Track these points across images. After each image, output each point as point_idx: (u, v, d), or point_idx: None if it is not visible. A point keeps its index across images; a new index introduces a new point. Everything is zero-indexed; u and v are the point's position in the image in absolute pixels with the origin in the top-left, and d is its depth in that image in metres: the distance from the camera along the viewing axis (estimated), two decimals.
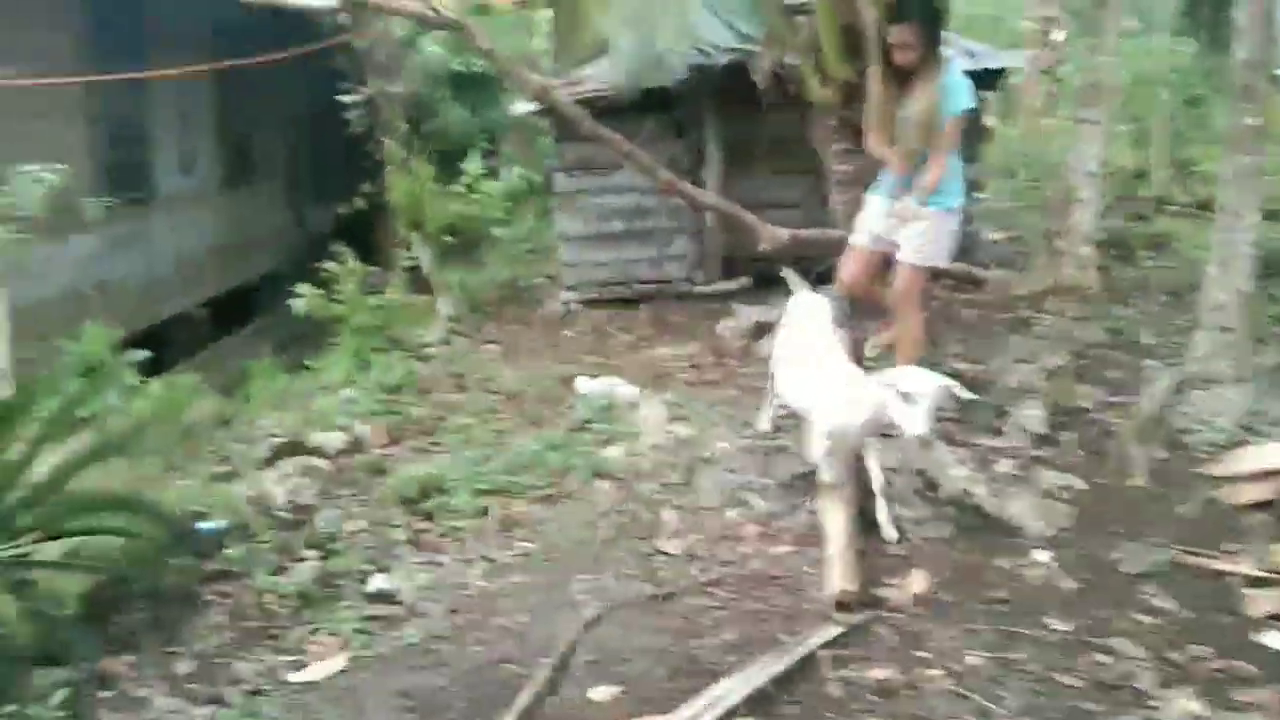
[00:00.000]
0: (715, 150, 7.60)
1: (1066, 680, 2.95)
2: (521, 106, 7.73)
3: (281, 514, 4.12)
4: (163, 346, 7.07)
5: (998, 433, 4.50)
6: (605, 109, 6.90)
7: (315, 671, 3.13)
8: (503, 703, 2.87)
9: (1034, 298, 6.25)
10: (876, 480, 3.81)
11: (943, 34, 4.42)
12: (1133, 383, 4.87)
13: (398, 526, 4.08)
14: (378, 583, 3.61)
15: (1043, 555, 3.62)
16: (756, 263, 7.43)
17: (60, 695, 2.95)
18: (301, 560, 3.77)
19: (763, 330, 6.28)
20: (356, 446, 4.96)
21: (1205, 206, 9.63)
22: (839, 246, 4.88)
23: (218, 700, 3.04)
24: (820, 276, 5.09)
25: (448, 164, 8.34)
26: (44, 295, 7.05)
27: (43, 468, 3.68)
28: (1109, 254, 7.38)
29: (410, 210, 7.76)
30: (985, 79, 7.11)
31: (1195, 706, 2.80)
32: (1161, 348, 5.36)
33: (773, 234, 6.00)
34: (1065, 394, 4.68)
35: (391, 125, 9.57)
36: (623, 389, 5.37)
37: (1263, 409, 4.34)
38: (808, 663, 3.06)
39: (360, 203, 10.66)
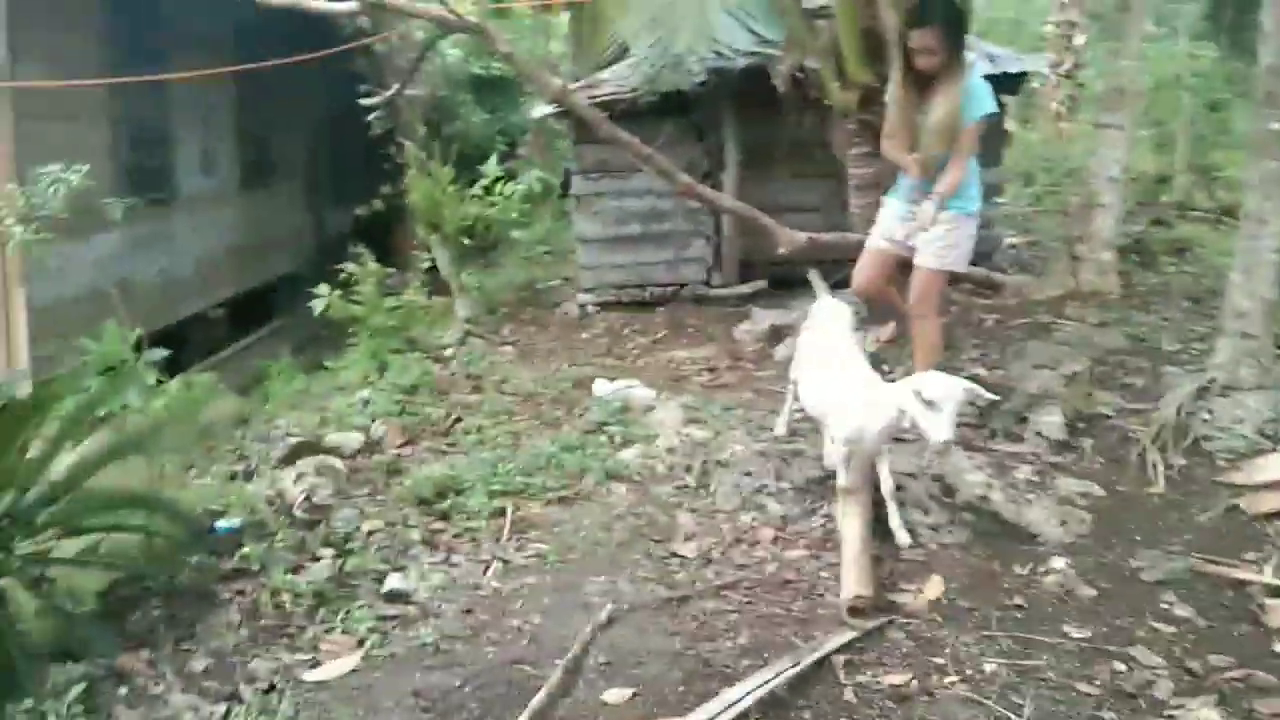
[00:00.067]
0: (733, 153, 7.60)
1: (1084, 688, 2.93)
2: (541, 110, 7.75)
3: (298, 513, 4.13)
4: (181, 346, 7.10)
5: (1016, 439, 4.48)
6: (624, 112, 6.92)
7: (330, 670, 3.14)
8: (516, 703, 2.87)
9: (1053, 303, 6.21)
10: (886, 485, 3.79)
11: (965, 38, 4.39)
12: (1153, 389, 4.84)
13: (413, 527, 4.08)
14: (393, 582, 3.61)
15: (1060, 562, 3.59)
16: (773, 266, 7.43)
17: (77, 691, 2.96)
18: (317, 559, 3.78)
19: (779, 334, 6.28)
20: (373, 447, 4.98)
21: (1228, 213, 9.57)
22: (857, 250, 4.87)
23: (233, 697, 3.05)
24: (837, 283, 5.07)
25: (466, 167, 8.36)
26: (65, 294, 7.11)
27: (61, 466, 3.71)
28: (1130, 259, 7.33)
29: (429, 212, 7.78)
30: (1006, 83, 7.09)
31: (1214, 716, 2.77)
32: (1182, 354, 5.31)
33: (791, 237, 5.98)
34: (1085, 400, 4.64)
35: (411, 128, 9.62)
36: (639, 391, 5.37)
37: None
38: (822, 667, 3.05)
39: (379, 205, 10.73)
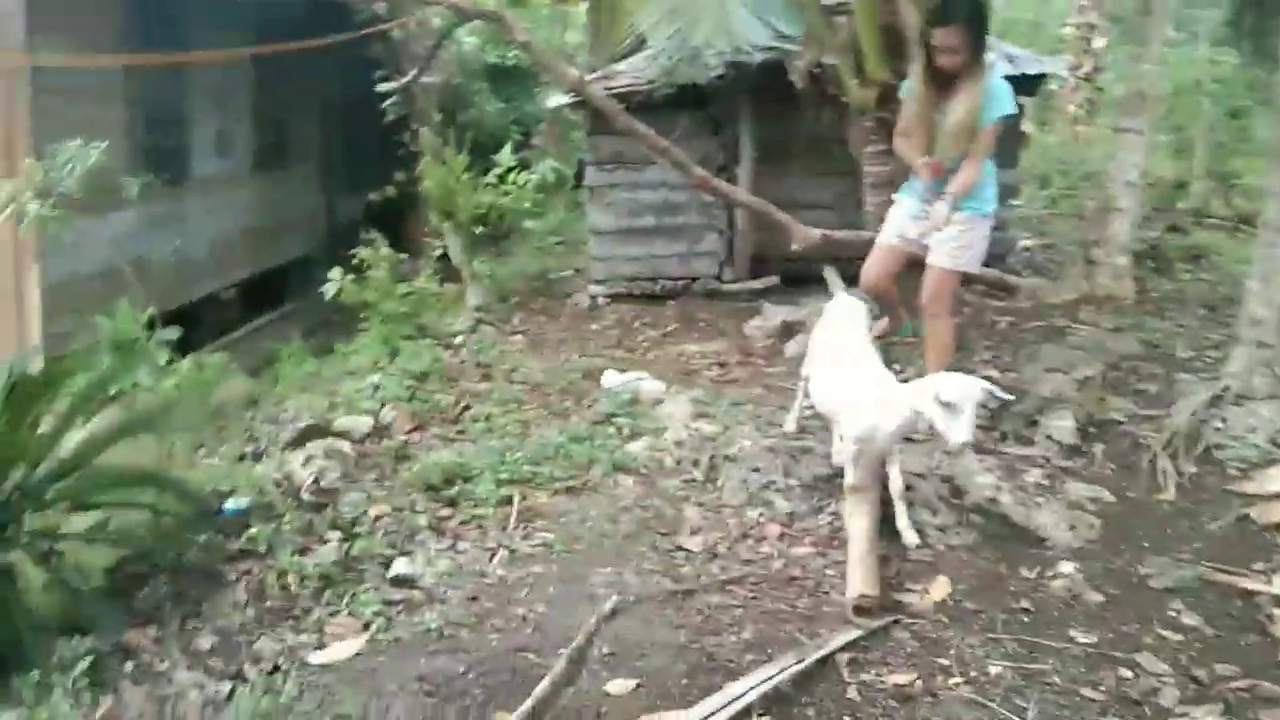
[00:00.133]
0: (749, 148, 7.58)
1: (1089, 694, 2.92)
2: (556, 100, 7.74)
3: (306, 496, 4.14)
4: (193, 326, 7.12)
5: (1027, 442, 4.46)
6: (639, 104, 6.90)
7: (335, 653, 3.15)
8: (520, 691, 2.87)
9: (1067, 307, 6.18)
10: (895, 485, 3.78)
11: (987, 38, 4.36)
12: (1166, 396, 4.81)
13: (420, 512, 4.08)
14: (399, 567, 3.62)
15: (1068, 567, 3.58)
16: (786, 262, 7.41)
17: (83, 665, 2.98)
18: (324, 542, 3.79)
19: (790, 330, 6.26)
20: (382, 432, 4.99)
21: (1246, 221, 9.52)
22: (871, 248, 4.85)
23: (238, 676, 3.06)
24: (850, 280, 5.06)
25: (480, 155, 8.37)
26: (79, 271, 7.14)
27: (72, 442, 3.73)
28: (1145, 265, 7.29)
29: (442, 199, 7.78)
30: (1024, 84, 7.05)
31: None
32: (1196, 362, 5.28)
33: (805, 234, 5.97)
34: (1097, 405, 4.62)
35: (426, 115, 9.61)
36: (648, 384, 5.36)
37: None
38: (826, 665, 3.04)
39: (391, 191, 10.74)
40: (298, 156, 12.03)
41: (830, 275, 4.62)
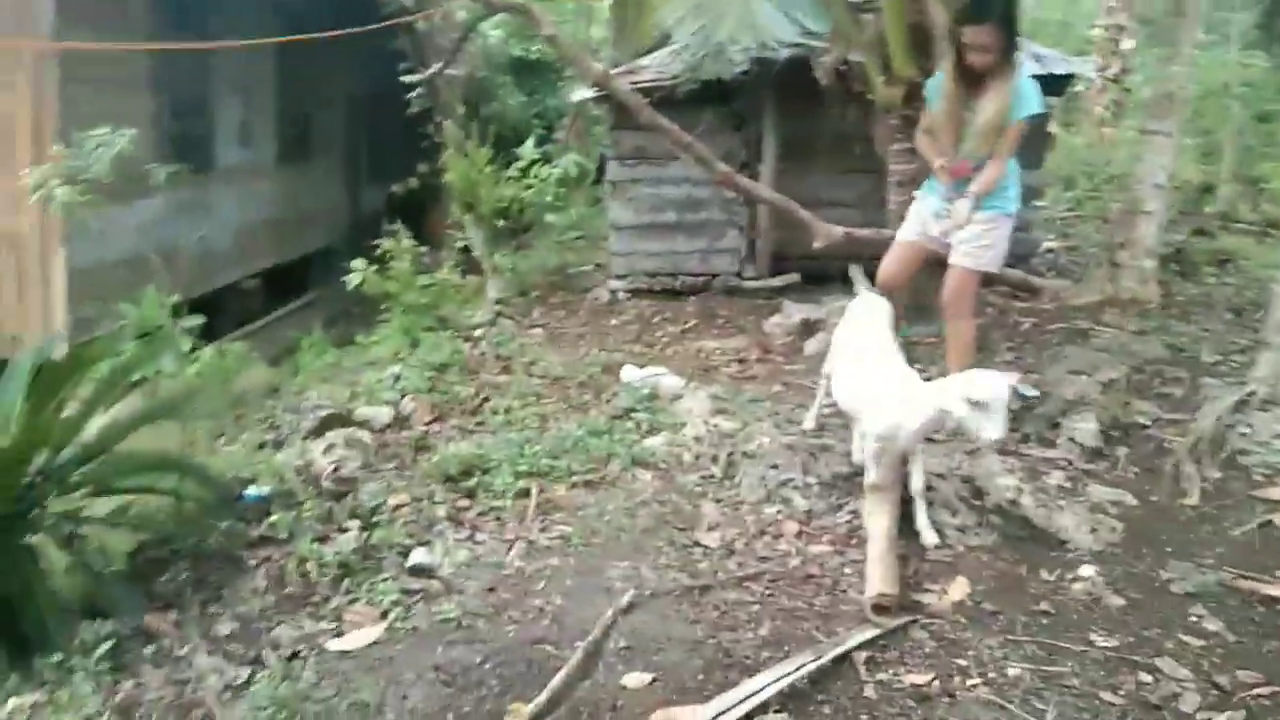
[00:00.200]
0: (772, 145, 7.56)
1: (1109, 698, 2.89)
2: (580, 94, 7.73)
3: (326, 484, 4.16)
4: (215, 315, 7.17)
5: (1049, 444, 4.43)
6: (663, 99, 6.89)
7: (353, 640, 3.16)
8: (536, 683, 2.88)
9: (1092, 309, 6.12)
10: (917, 483, 3.76)
11: (1019, 37, 4.32)
12: (1191, 400, 4.76)
13: (439, 503, 4.10)
14: (417, 557, 3.63)
15: (1089, 570, 3.55)
16: (806, 260, 7.39)
17: (104, 648, 3.01)
18: (344, 531, 3.81)
19: (811, 328, 6.24)
20: (402, 422, 5.01)
21: (1274, 226, 9.42)
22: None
23: (256, 662, 3.08)
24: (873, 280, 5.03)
25: (503, 148, 8.38)
26: (104, 258, 7.20)
27: (95, 426, 3.76)
28: (1170, 269, 7.22)
29: (465, 192, 7.80)
30: (1052, 85, 6.99)
31: None
32: (1222, 366, 5.22)
33: (828, 231, 5.94)
34: (1121, 408, 4.58)
35: (450, 107, 9.64)
36: (667, 379, 5.35)
37: None
38: (843, 663, 3.03)
39: (414, 183, 10.78)
40: (321, 148, 12.09)
41: (855, 273, 4.59)
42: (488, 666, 3.02)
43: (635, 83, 7.10)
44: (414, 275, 6.89)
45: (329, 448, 4.42)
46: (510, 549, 3.78)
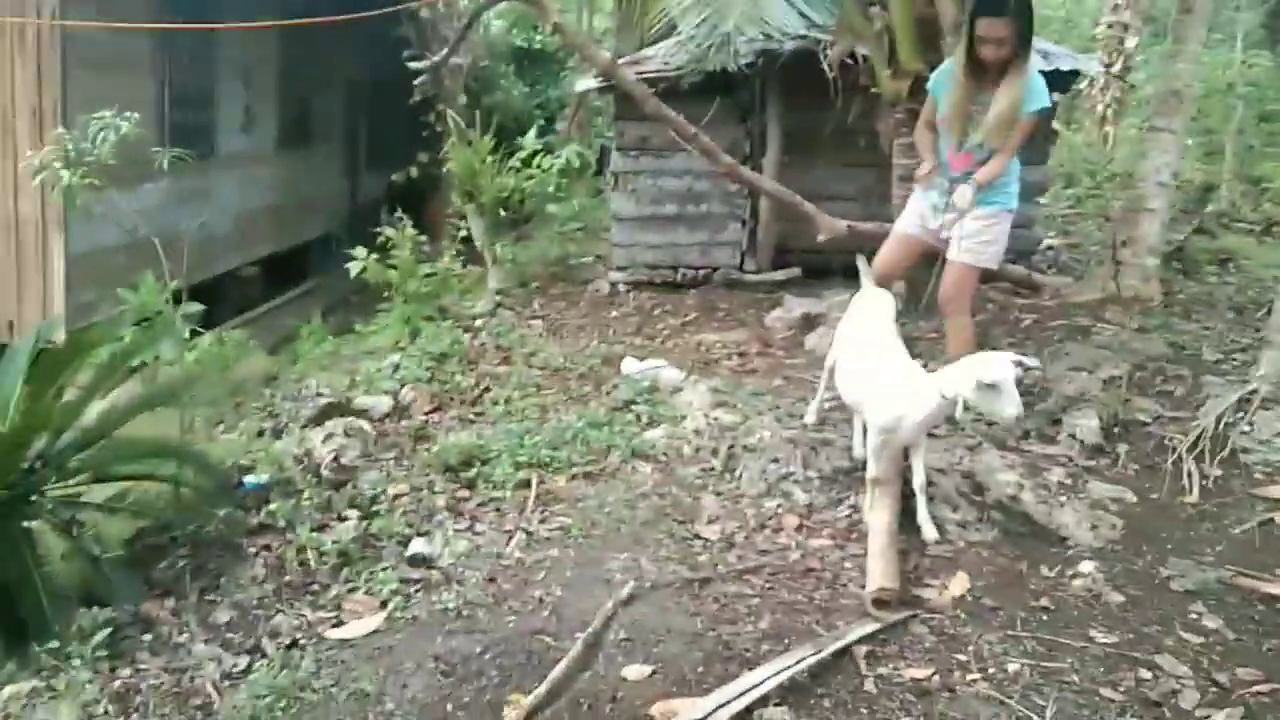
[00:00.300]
0: (776, 138, 7.53)
1: (1108, 694, 2.89)
2: (584, 84, 7.70)
3: (325, 473, 4.16)
4: (214, 302, 7.13)
5: (1050, 440, 4.42)
6: (667, 90, 6.85)
7: (352, 629, 3.16)
8: (536, 674, 2.88)
9: (1093, 306, 6.11)
10: (919, 478, 3.75)
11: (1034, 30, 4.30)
12: (1193, 398, 4.75)
13: (439, 493, 4.09)
14: (417, 547, 3.63)
15: (1089, 566, 3.54)
16: (807, 254, 7.37)
17: (102, 635, 3.00)
18: (343, 519, 3.81)
19: (812, 323, 6.22)
20: (401, 411, 5.00)
21: (1275, 225, 9.42)
22: None
23: (255, 650, 3.08)
24: None
25: (505, 138, 8.35)
26: (103, 243, 7.15)
27: (94, 412, 3.75)
28: (1171, 267, 7.21)
29: (466, 181, 7.77)
30: (1058, 81, 6.97)
31: None
32: (1223, 364, 5.21)
33: (832, 224, 5.93)
34: (1122, 405, 4.57)
35: (452, 96, 9.60)
36: (667, 372, 5.34)
37: None
38: (843, 657, 3.03)
39: (414, 172, 10.74)
40: (322, 135, 12.04)
41: (862, 265, 4.58)
42: (487, 657, 3.01)
43: (640, 73, 7.06)
44: (416, 264, 6.86)
45: (328, 436, 4.41)
46: (510, 540, 3.77)
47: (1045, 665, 3.01)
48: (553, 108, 13.75)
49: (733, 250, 7.77)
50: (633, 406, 4.97)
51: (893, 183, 5.95)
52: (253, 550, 3.63)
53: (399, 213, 7.47)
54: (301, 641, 3.11)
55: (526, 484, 4.19)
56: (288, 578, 3.47)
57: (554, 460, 4.39)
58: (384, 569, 3.50)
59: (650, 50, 7.59)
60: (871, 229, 5.96)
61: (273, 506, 3.81)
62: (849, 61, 6.50)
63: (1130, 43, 13.86)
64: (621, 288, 7.63)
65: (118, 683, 2.89)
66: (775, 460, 4.28)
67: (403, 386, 5.27)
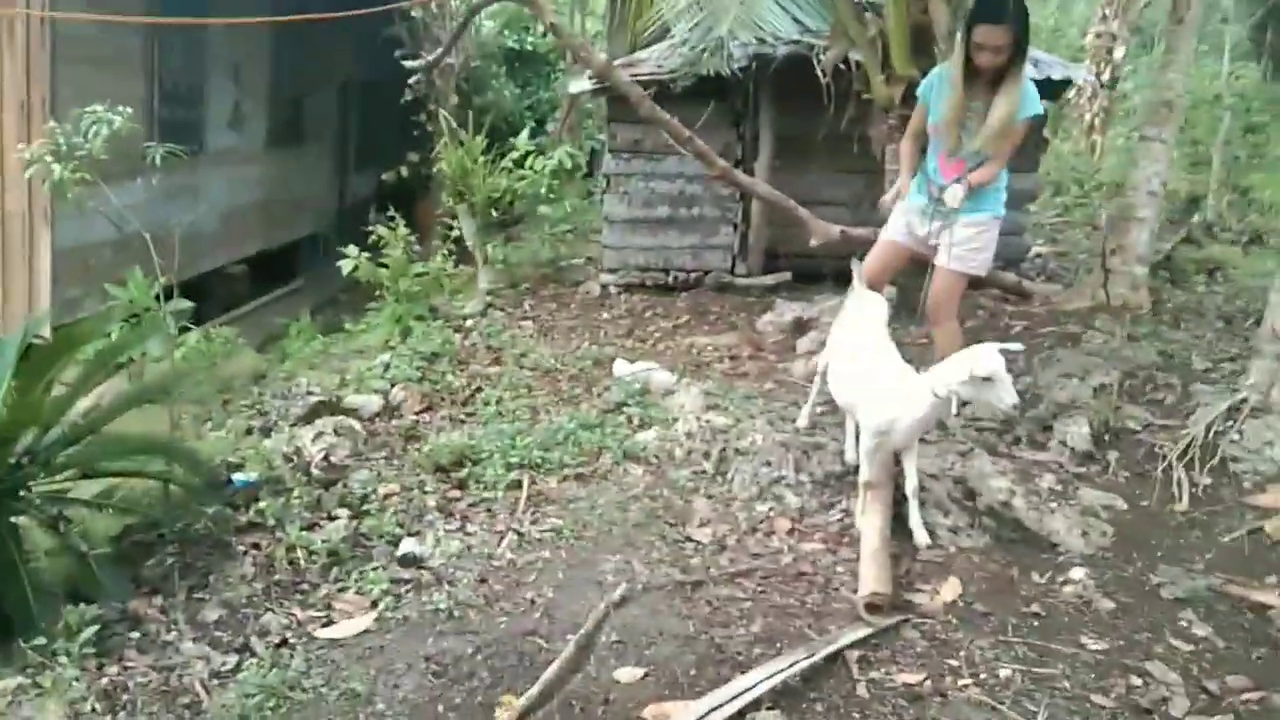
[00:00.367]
0: (768, 142, 7.54)
1: (1099, 700, 2.90)
2: (577, 85, 7.69)
3: (315, 471, 4.12)
4: (201, 299, 7.08)
5: (1041, 447, 4.44)
6: (659, 94, 6.85)
7: (343, 629, 3.14)
8: (528, 675, 2.86)
9: (1083, 314, 6.14)
10: (911, 483, 3.76)
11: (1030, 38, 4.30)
12: (1182, 406, 4.78)
13: (430, 493, 4.07)
14: (408, 546, 3.61)
15: (1080, 573, 3.56)
16: (798, 259, 7.38)
17: (89, 632, 2.97)
18: (333, 519, 3.78)
19: (803, 327, 6.23)
20: (392, 411, 4.97)
21: (1260, 236, 9.50)
22: None
23: (244, 649, 3.05)
24: None
25: (496, 139, 8.33)
26: (89, 238, 7.09)
27: (81, 408, 3.71)
28: (1159, 276, 7.26)
29: (458, 181, 7.75)
30: (1047, 89, 7.00)
31: None
32: (1213, 373, 5.24)
33: (825, 229, 5.93)
34: (1112, 413, 4.59)
35: (445, 96, 9.57)
36: (659, 374, 5.34)
37: None
38: (835, 661, 3.03)
39: (404, 171, 10.71)
40: (312, 134, 11.97)
41: (856, 269, 4.59)
42: (479, 658, 3.00)
43: (632, 76, 7.06)
44: (408, 264, 6.83)
45: (318, 435, 4.38)
46: (501, 540, 3.76)
47: (1036, 671, 3.02)
48: (543, 109, 13.73)
49: (724, 254, 7.78)
50: (624, 408, 4.96)
51: (885, 188, 5.95)
52: (242, 548, 3.59)
53: (390, 211, 7.44)
54: (291, 641, 3.09)
55: (518, 485, 4.17)
56: (277, 576, 3.44)
57: (545, 461, 4.37)
58: (374, 569, 3.47)
59: (643, 53, 7.58)
60: (864, 234, 5.97)
61: (262, 505, 3.78)
62: (842, 67, 6.51)
63: (1118, 53, 13.96)
64: (612, 290, 7.63)
65: (105, 680, 2.86)
66: (767, 464, 4.28)
67: (393, 386, 5.24)
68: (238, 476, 4.00)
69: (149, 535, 3.64)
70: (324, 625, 3.17)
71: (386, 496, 4.01)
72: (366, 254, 6.95)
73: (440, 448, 4.38)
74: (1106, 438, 4.50)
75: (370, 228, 7.24)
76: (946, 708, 2.85)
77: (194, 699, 2.83)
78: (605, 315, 7.06)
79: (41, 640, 2.92)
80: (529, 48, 14.01)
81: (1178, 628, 3.30)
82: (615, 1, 9.66)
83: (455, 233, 7.64)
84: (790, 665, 2.94)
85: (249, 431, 4.75)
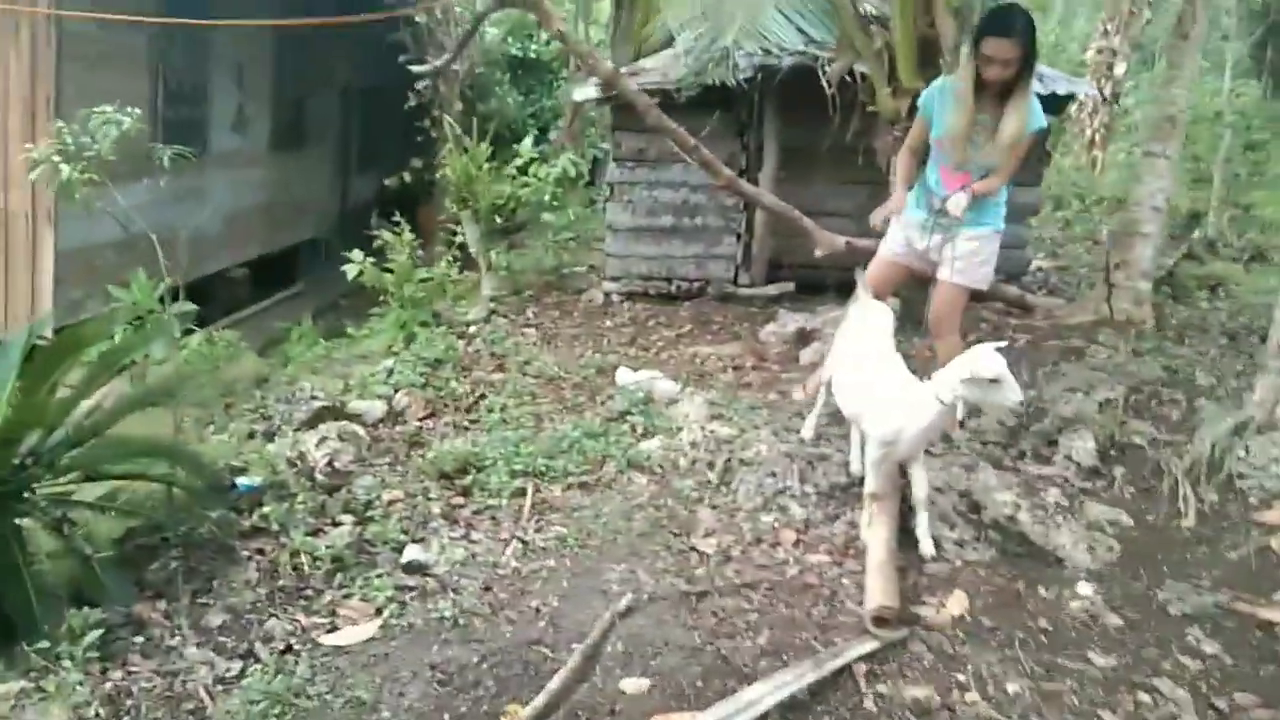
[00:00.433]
0: (773, 153, 7.54)
1: (1108, 716, 2.89)
2: (582, 93, 7.69)
3: (319, 477, 4.11)
4: (203, 302, 7.08)
5: (1046, 461, 4.43)
6: (664, 103, 6.86)
7: (347, 636, 3.12)
8: (533, 684, 2.84)
9: (1086, 329, 6.14)
10: (920, 491, 3.74)
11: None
12: (1188, 422, 4.77)
13: (434, 500, 4.06)
14: (412, 553, 3.59)
15: (1087, 588, 3.55)
16: (802, 269, 7.38)
17: (93, 636, 2.94)
18: (337, 525, 3.76)
19: (806, 337, 6.22)
20: (396, 417, 4.96)
21: (1261, 253, 9.53)
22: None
23: (248, 655, 3.03)
24: None
25: (500, 146, 8.34)
26: (93, 240, 7.08)
27: (84, 410, 3.69)
28: (1162, 292, 7.26)
29: (462, 187, 7.75)
30: (1050, 104, 7.02)
31: None
32: (1218, 389, 5.24)
33: (830, 240, 5.94)
34: (1118, 428, 4.59)
35: (449, 102, 9.58)
36: (663, 383, 5.33)
37: None
38: (842, 674, 3.01)
39: (407, 177, 10.71)
40: (315, 138, 11.98)
41: (861, 279, 4.58)
42: (484, 667, 2.98)
43: (637, 84, 7.06)
44: (413, 269, 6.83)
45: (322, 440, 4.36)
46: (506, 548, 3.74)
47: (1044, 686, 3.01)
48: (546, 117, 13.75)
49: (727, 263, 7.78)
50: (628, 417, 4.95)
51: None
52: (246, 553, 3.57)
53: (395, 216, 7.44)
54: (295, 647, 3.06)
55: (522, 492, 4.16)
56: (281, 582, 3.42)
57: (550, 469, 4.36)
58: (379, 575, 3.45)
59: (648, 62, 7.59)
60: (869, 245, 5.94)
61: (266, 509, 3.76)
62: (848, 79, 6.53)
63: (1119, 68, 14.02)
64: (615, 298, 7.62)
65: (109, 685, 2.84)
66: (772, 474, 4.27)
67: (397, 391, 5.23)
68: (241, 481, 3.99)
69: (152, 539, 3.62)
70: (329, 632, 3.15)
71: (391, 503, 3.99)
72: (373, 258, 6.94)
73: (444, 454, 4.36)
74: (1112, 452, 4.49)
75: (372, 232, 7.24)
76: None
77: (198, 705, 2.80)
78: (608, 323, 7.05)
79: (45, 644, 2.90)
80: (532, 55, 14.04)
81: (1185, 644, 3.28)
82: (619, 10, 9.69)
83: (459, 239, 7.63)
84: (798, 678, 2.93)
85: (252, 435, 4.74)
